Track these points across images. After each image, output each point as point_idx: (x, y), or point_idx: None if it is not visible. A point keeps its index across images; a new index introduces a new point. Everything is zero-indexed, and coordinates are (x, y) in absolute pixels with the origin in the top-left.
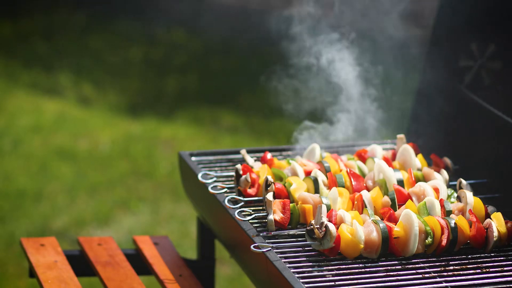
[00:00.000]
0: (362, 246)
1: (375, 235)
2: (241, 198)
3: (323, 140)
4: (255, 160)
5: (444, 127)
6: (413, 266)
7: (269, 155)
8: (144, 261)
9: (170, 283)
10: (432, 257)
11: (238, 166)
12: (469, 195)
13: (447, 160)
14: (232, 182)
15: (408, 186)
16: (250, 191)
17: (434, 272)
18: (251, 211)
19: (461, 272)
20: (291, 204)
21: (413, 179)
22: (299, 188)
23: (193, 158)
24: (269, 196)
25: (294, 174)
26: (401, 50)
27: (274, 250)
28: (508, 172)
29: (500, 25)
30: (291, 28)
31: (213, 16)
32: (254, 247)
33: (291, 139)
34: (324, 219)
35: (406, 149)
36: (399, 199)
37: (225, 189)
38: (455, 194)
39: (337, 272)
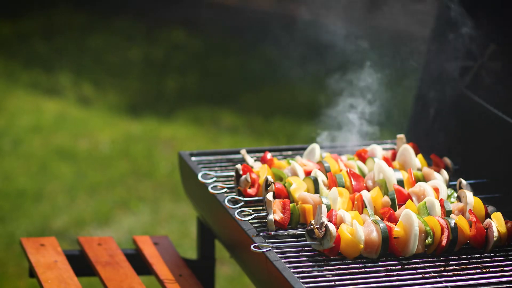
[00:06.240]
0: (362, 246)
1: (375, 235)
2: (241, 198)
3: (323, 140)
4: (255, 160)
5: (444, 127)
6: (413, 266)
7: (269, 155)
8: (144, 261)
9: (170, 283)
10: (432, 257)
11: (238, 166)
12: (469, 195)
13: (447, 160)
14: (232, 182)
15: (408, 186)
16: (250, 191)
17: (434, 272)
18: (251, 211)
19: (461, 272)
20: (291, 204)
21: (413, 179)
22: (299, 188)
23: (193, 158)
24: (269, 196)
25: (294, 174)
26: (401, 48)
27: (274, 250)
28: (508, 172)
29: (500, 25)
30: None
31: (213, 16)
32: (254, 247)
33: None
34: (324, 219)
35: (406, 149)
36: (399, 199)
37: (225, 189)
38: (455, 194)
39: (337, 272)
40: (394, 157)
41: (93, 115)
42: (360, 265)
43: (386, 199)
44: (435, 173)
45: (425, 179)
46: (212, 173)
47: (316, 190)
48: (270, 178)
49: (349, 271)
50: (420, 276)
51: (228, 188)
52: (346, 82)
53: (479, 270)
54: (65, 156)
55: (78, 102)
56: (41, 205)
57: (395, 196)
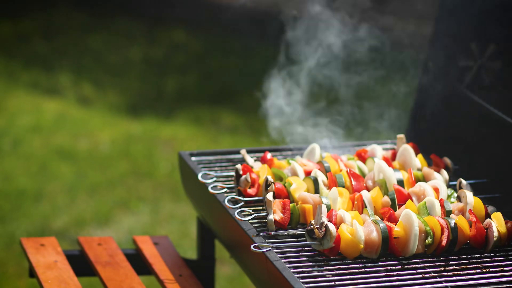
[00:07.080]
0: (362, 246)
1: (375, 235)
2: (241, 198)
3: (323, 140)
4: (255, 160)
5: (444, 127)
6: (413, 266)
7: (269, 155)
8: (144, 261)
9: (170, 283)
10: (432, 257)
11: (238, 166)
12: (469, 195)
13: (447, 160)
14: (232, 182)
15: (408, 186)
16: (250, 191)
17: (434, 272)
18: (251, 211)
19: (461, 272)
20: (291, 204)
21: (413, 179)
22: (299, 188)
23: (193, 158)
24: (269, 196)
25: (294, 174)
26: (401, 49)
27: (274, 250)
28: (508, 172)
29: (500, 25)
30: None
31: (213, 16)
32: (254, 247)
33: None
34: (324, 219)
35: (406, 149)
36: (399, 199)
37: (225, 189)
38: (455, 194)
39: (337, 272)
40: (394, 157)
41: (93, 115)
42: (360, 265)
43: (386, 199)
44: (435, 173)
45: (425, 179)
46: (212, 173)
47: (316, 190)
48: (270, 178)
49: (349, 271)
50: (420, 276)
51: (228, 188)
52: (345, 82)
53: (479, 270)
54: (65, 156)
55: (78, 102)
56: (41, 205)
57: (395, 196)
